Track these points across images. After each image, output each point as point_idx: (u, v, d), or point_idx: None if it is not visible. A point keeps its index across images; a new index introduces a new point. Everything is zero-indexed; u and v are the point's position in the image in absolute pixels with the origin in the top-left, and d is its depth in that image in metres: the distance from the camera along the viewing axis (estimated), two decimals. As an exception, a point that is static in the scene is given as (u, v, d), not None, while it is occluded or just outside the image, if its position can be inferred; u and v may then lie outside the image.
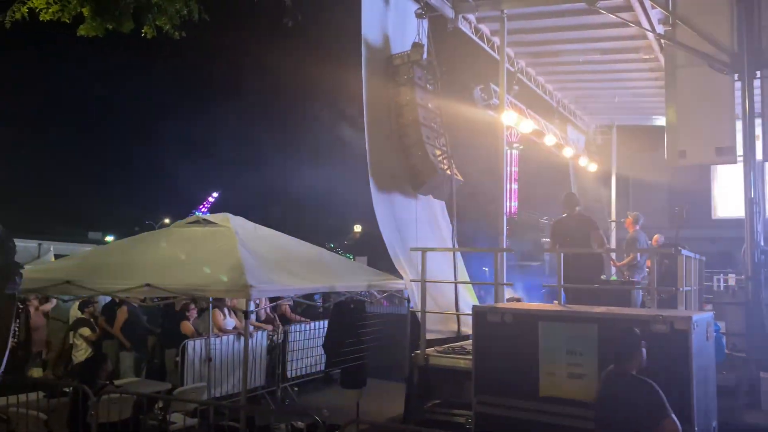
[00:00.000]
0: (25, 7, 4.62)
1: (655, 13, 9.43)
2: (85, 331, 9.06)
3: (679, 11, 8.49)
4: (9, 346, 4.73)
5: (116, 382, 7.74)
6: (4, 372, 4.83)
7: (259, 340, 9.92)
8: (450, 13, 9.96)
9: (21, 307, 9.05)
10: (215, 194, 44.89)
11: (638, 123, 16.84)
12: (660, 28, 9.50)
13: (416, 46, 9.32)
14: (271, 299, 9.52)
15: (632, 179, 18.71)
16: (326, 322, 10.76)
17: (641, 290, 9.39)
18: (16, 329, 8.49)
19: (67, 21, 4.60)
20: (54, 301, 10.21)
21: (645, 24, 9.56)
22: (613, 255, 11.63)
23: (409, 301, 8.77)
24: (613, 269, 12.01)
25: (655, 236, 11.05)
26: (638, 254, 10.49)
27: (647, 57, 11.30)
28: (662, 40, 9.53)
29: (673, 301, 7.62)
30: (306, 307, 12.03)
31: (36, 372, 9.54)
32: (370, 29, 9.02)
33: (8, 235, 4.77)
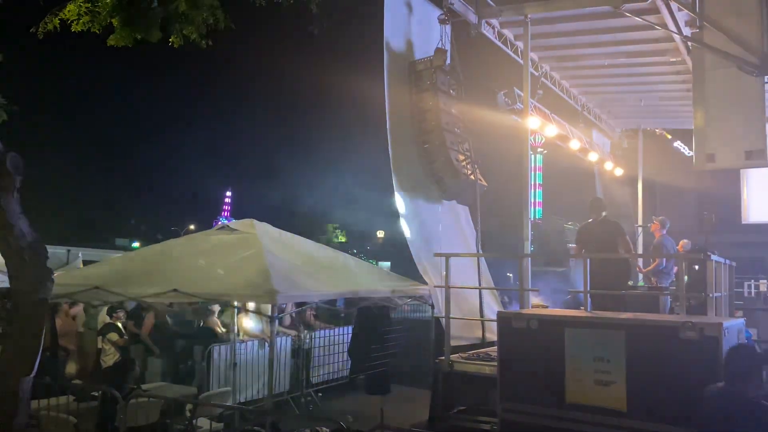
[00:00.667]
0: (56, 18, 4.72)
1: (682, 16, 9.30)
2: (113, 336, 9.18)
3: (707, 13, 8.36)
4: (41, 350, 4.82)
5: (144, 387, 7.84)
6: (35, 376, 4.92)
7: (284, 345, 9.98)
8: (473, 18, 9.94)
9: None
10: (228, 193, 45.23)
11: (665, 127, 16.61)
12: (687, 31, 9.37)
13: (439, 51, 9.32)
14: (297, 305, 9.58)
15: (659, 183, 18.46)
16: (349, 327, 10.79)
17: (669, 296, 9.24)
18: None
19: (98, 31, 4.70)
20: (81, 304, 10.38)
21: (671, 26, 9.43)
22: (640, 261, 11.46)
23: (433, 307, 8.74)
24: (640, 275, 11.84)
25: (682, 242, 10.87)
26: (664, 260, 10.32)
27: (674, 60, 11.14)
28: (689, 43, 9.39)
29: (702, 307, 7.47)
30: (328, 313, 12.07)
31: (71, 366, 9.72)
32: (393, 36, 9.06)
33: (40, 242, 4.87)
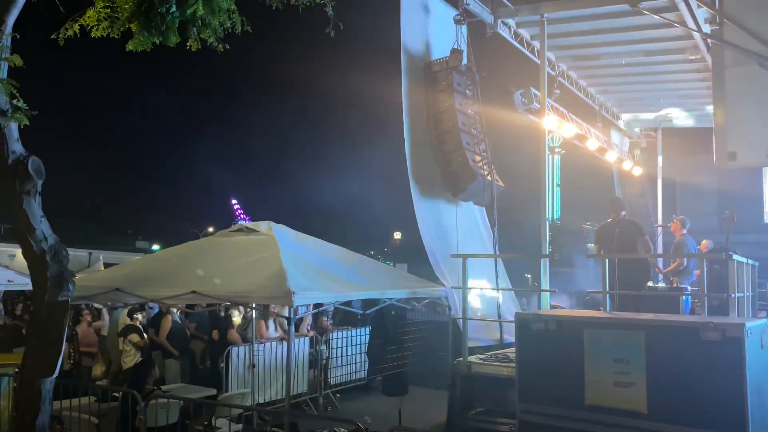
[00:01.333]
0: (76, 24, 4.79)
1: (702, 13, 9.20)
2: (134, 337, 9.29)
3: (727, 9, 8.25)
4: (62, 352, 4.88)
5: (163, 388, 7.92)
6: (58, 377, 4.99)
7: (302, 347, 10.01)
8: (489, 18, 9.92)
9: (71, 324, 9.40)
10: (234, 201, 45.33)
11: (685, 125, 16.42)
12: (707, 28, 9.26)
13: (455, 52, 9.31)
14: (315, 306, 9.62)
15: (679, 183, 18.22)
16: (367, 329, 10.81)
17: (690, 297, 9.12)
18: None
19: (117, 36, 4.75)
20: (106, 317, 10.53)
21: (691, 24, 9.33)
22: (660, 261, 11.32)
23: (450, 308, 8.73)
24: (660, 276, 11.70)
25: (704, 241, 10.71)
26: (685, 260, 10.18)
27: (693, 57, 11.02)
28: (709, 40, 9.28)
29: (724, 308, 7.37)
30: (344, 314, 12.08)
31: (97, 369, 9.86)
32: (409, 37, 9.06)
33: (61, 244, 4.94)
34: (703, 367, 4.27)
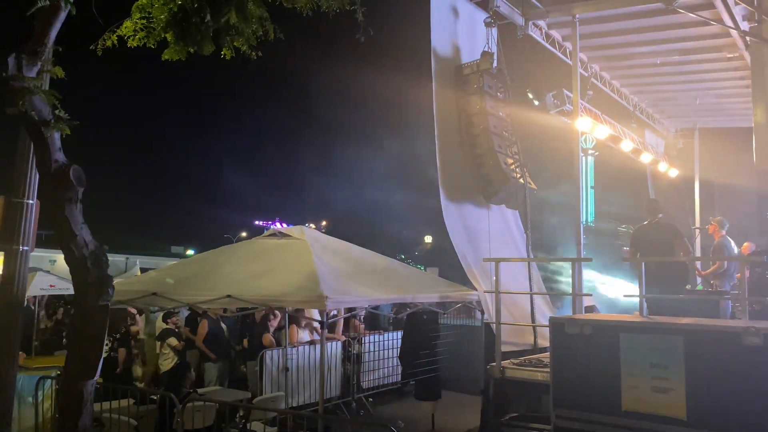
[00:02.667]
0: (114, 35, 4.92)
1: (739, 10, 8.99)
2: (172, 341, 9.46)
3: (766, 6, 8.07)
4: (103, 354, 5.00)
5: (199, 391, 8.04)
6: (103, 379, 5.11)
7: (334, 350, 10.06)
8: (520, 20, 9.85)
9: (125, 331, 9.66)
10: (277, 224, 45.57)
11: (723, 125, 16.04)
12: (745, 25, 9.05)
13: (485, 54, 9.26)
14: (347, 310, 9.66)
15: (717, 184, 17.80)
16: (398, 333, 10.80)
17: (731, 301, 8.89)
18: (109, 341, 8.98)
19: (153, 46, 4.86)
20: (140, 322, 10.74)
21: (728, 21, 9.12)
22: (698, 264, 11.08)
23: (483, 312, 8.67)
24: (699, 279, 11.43)
25: (745, 244, 10.45)
26: (726, 262, 9.94)
27: (731, 55, 10.77)
28: (747, 37, 9.06)
29: (766, 312, 7.18)
30: (374, 318, 12.09)
31: (137, 370, 10.06)
32: (439, 40, 9.05)
33: (102, 250, 5.06)
34: (744, 372, 4.17)
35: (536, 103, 11.19)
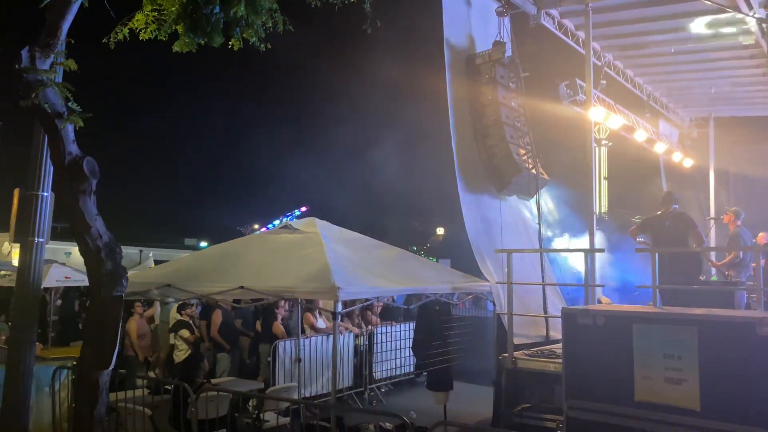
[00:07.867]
0: (126, 28, 4.94)
1: (756, -4, 8.86)
2: (185, 332, 9.54)
3: (783, -8, 7.94)
4: (118, 345, 5.05)
5: (213, 381, 8.11)
6: (114, 369, 5.17)
7: (347, 341, 10.10)
8: (532, 9, 9.76)
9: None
10: (303, 209, 45.73)
11: (739, 114, 15.83)
12: (762, 12, 8.91)
13: (497, 44, 9.20)
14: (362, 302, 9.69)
15: (732, 174, 17.59)
16: (410, 324, 10.82)
17: (746, 291, 8.81)
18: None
19: (164, 39, 4.89)
20: (158, 306, 10.86)
21: (744, 8, 8.99)
22: (713, 254, 10.97)
23: (495, 303, 8.65)
24: (713, 269, 11.32)
25: (761, 234, 10.34)
26: (741, 252, 9.84)
27: (747, 43, 10.61)
28: (764, 24, 8.93)
29: (782, 303, 7.09)
30: (386, 309, 12.12)
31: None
32: (452, 31, 8.99)
33: (115, 242, 5.11)
34: (759, 363, 4.13)
35: (568, 92, 10.94)
